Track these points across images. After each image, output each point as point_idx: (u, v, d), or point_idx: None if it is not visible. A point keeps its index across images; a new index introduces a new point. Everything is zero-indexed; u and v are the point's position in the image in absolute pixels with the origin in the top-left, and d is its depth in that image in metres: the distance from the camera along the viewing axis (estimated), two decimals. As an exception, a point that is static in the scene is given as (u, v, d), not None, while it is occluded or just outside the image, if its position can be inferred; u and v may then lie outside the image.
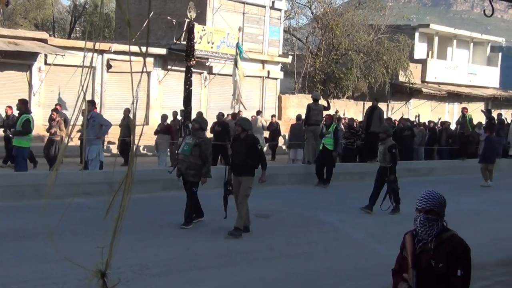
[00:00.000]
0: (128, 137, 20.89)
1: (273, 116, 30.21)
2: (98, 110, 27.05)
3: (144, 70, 2.86)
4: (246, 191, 11.96)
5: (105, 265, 2.68)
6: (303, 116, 22.70)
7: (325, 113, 21.42)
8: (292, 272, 9.81)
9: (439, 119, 33.29)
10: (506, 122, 29.86)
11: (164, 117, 22.77)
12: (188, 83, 22.52)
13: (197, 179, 12.42)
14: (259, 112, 27.82)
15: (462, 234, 5.15)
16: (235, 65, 25.48)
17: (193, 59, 22.88)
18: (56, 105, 21.26)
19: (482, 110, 28.55)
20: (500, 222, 15.37)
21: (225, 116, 24.60)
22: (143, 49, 2.75)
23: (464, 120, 27.07)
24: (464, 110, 27.98)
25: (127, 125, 21.78)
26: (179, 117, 22.78)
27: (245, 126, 12.34)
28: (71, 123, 3.10)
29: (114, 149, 24.44)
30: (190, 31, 24.71)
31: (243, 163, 12.00)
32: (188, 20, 26.48)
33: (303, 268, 10.06)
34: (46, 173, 15.41)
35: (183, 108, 22.09)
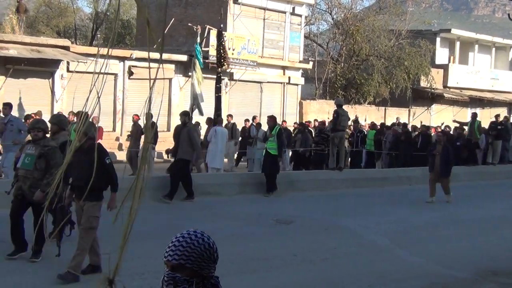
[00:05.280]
0: (137, 147, 20.76)
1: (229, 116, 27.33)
2: (120, 116, 27.30)
3: (163, 76, 2.84)
4: (90, 222, 8.93)
5: (113, 272, 2.59)
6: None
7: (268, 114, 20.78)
8: (314, 278, 9.76)
9: (398, 121, 33.07)
10: None
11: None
12: (218, 90, 22.86)
13: (45, 199, 9.20)
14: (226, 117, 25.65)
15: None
16: (193, 68, 24.38)
17: (225, 64, 23.08)
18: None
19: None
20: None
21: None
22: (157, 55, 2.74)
23: (473, 126, 26.20)
24: (473, 115, 27.08)
25: (137, 133, 21.39)
26: (140, 122, 21.88)
27: (89, 132, 9.10)
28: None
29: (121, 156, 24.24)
30: (219, 38, 24.99)
31: (84, 182, 8.39)
32: (210, 28, 26.66)
33: (326, 274, 10.01)
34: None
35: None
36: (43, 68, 24.93)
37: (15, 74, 24.03)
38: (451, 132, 27.35)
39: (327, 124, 23.92)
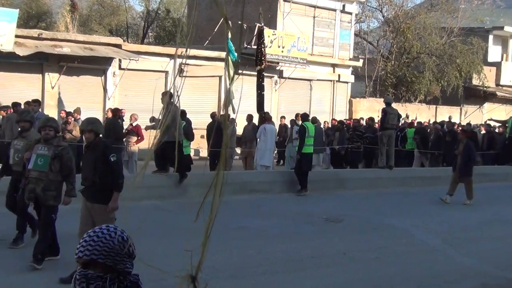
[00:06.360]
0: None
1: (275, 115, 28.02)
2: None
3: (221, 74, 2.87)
4: None
5: (195, 269, 2.60)
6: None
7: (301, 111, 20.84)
8: (364, 277, 9.74)
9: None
10: None
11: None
12: (260, 88, 22.66)
13: (58, 202, 9.25)
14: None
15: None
16: (227, 64, 24.03)
17: (263, 63, 22.93)
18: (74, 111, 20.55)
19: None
20: None
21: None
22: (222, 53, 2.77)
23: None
24: None
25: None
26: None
27: (98, 129, 8.75)
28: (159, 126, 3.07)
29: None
30: (260, 36, 24.82)
31: (91, 182, 8.57)
32: (259, 25, 26.74)
33: (375, 273, 9.98)
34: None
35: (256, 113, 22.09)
36: (96, 65, 25.28)
37: (68, 72, 24.46)
38: (496, 130, 27.12)
39: (361, 122, 23.89)
